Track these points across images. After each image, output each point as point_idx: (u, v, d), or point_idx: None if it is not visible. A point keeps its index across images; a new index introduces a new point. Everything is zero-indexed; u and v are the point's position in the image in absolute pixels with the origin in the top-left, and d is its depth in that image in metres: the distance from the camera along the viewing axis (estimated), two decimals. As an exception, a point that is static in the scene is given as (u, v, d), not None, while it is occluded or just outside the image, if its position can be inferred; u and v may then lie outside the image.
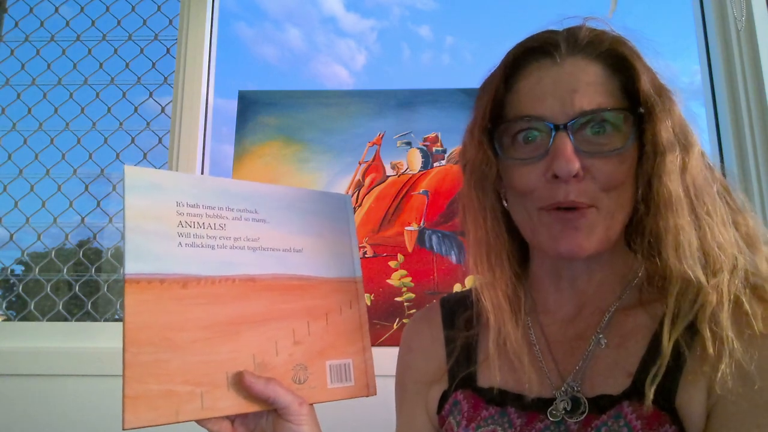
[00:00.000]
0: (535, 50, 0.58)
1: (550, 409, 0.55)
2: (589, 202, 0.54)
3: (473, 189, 0.61)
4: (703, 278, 0.52)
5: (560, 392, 0.56)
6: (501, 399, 0.58)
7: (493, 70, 0.61)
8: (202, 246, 0.55)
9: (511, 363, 0.60)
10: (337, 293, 0.62)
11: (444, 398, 0.63)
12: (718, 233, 0.54)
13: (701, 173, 0.55)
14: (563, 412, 0.54)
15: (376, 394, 0.64)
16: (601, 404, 0.53)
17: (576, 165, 0.53)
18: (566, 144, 0.53)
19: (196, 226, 0.55)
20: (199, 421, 0.52)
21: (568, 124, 0.53)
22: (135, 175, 0.54)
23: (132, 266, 0.50)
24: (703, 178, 0.55)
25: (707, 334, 0.50)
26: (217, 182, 0.59)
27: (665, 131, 0.54)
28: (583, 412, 0.53)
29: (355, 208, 1.41)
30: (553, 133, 0.54)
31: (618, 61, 0.56)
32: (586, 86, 0.55)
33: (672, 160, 0.54)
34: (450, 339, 0.67)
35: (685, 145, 0.55)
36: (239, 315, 0.55)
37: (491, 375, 0.60)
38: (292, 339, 0.57)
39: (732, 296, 0.52)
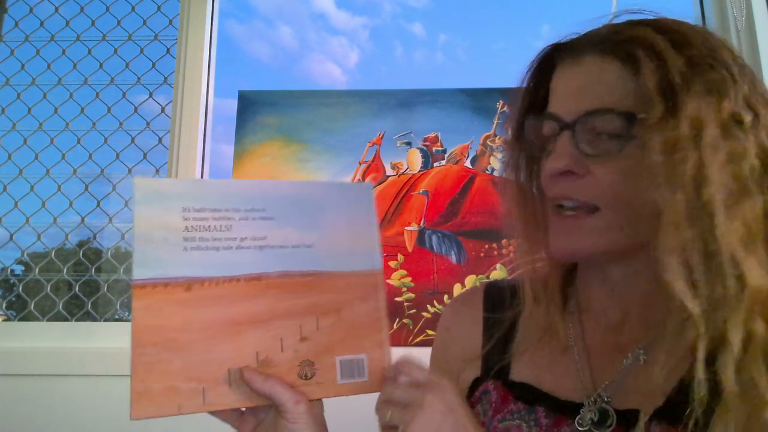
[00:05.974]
0: (562, 48, 0.58)
1: (577, 418, 0.54)
2: (587, 200, 0.53)
3: (508, 179, 0.63)
4: (693, 306, 0.46)
5: (590, 401, 0.55)
6: (530, 396, 0.58)
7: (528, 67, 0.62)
8: (207, 248, 0.56)
9: (546, 359, 0.60)
10: (352, 287, 0.61)
11: (475, 385, 0.63)
12: (735, 252, 0.45)
13: (714, 181, 0.46)
14: (590, 422, 0.53)
15: None
16: (629, 420, 0.51)
17: (562, 162, 0.52)
18: (562, 142, 0.53)
19: (201, 230, 0.57)
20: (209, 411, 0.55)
21: (572, 123, 0.53)
22: (144, 186, 0.56)
23: (139, 272, 0.53)
24: (728, 183, 0.47)
25: (699, 376, 0.45)
26: (225, 184, 0.60)
27: (662, 137, 0.48)
28: (610, 425, 0.52)
29: (355, 208, 1.42)
30: (560, 132, 0.54)
31: (635, 59, 0.51)
32: (596, 85, 0.53)
33: (671, 169, 0.47)
34: (489, 323, 0.66)
35: (692, 150, 0.47)
36: (243, 314, 0.56)
37: (527, 367, 0.60)
38: (298, 336, 0.58)
39: (744, 336, 0.45)
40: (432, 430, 0.46)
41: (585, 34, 0.57)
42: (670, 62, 0.49)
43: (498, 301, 0.68)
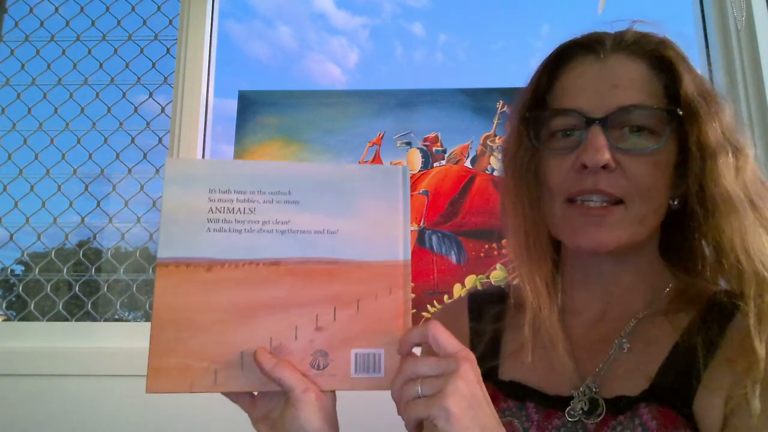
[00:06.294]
0: (581, 46, 0.59)
1: (567, 409, 0.55)
2: (618, 194, 0.55)
3: (510, 178, 0.63)
4: None
5: (579, 392, 0.56)
6: (520, 393, 0.59)
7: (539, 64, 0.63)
8: (230, 231, 0.56)
9: (532, 357, 0.61)
10: (375, 278, 0.58)
11: None
12: None
13: (756, 176, 0.56)
14: (580, 412, 0.55)
15: None
16: (619, 406, 0.53)
17: (605, 156, 0.54)
18: (598, 136, 0.54)
19: (225, 212, 0.57)
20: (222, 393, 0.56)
21: (604, 117, 0.54)
22: (174, 166, 0.57)
23: (163, 252, 0.55)
24: (758, 181, 0.56)
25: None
26: (253, 166, 0.59)
27: (712, 133, 0.54)
28: (600, 414, 0.54)
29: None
30: (589, 126, 0.55)
31: (663, 62, 0.57)
32: (627, 83, 0.55)
33: (724, 161, 0.54)
34: (476, 332, 0.67)
35: (736, 147, 0.56)
36: (259, 299, 0.56)
37: (515, 368, 0.61)
38: (314, 325, 0.56)
39: None
40: (470, 396, 0.44)
41: (605, 35, 0.59)
42: (692, 68, 0.56)
43: (482, 309, 0.69)
